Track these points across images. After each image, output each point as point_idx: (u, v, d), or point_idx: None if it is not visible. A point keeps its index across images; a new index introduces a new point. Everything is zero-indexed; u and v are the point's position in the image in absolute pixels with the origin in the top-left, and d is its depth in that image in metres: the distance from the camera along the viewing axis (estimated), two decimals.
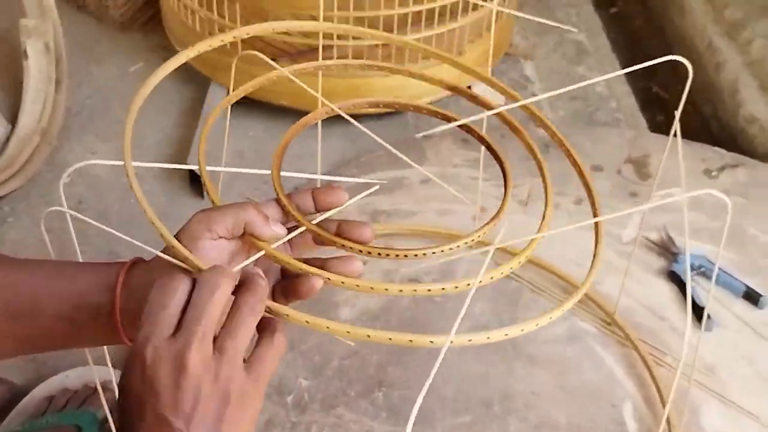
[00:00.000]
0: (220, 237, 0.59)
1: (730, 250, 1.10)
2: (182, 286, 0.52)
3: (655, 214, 1.14)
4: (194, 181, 1.20)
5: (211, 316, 0.51)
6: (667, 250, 1.09)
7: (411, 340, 0.51)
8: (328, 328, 0.52)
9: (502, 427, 0.89)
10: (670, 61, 0.73)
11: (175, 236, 0.59)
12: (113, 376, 0.91)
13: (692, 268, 1.06)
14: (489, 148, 0.74)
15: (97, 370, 0.92)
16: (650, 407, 0.92)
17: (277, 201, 0.62)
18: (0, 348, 0.62)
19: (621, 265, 1.07)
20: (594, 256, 0.62)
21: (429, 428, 0.89)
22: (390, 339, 0.51)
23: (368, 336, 0.52)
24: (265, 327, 0.55)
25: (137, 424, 0.51)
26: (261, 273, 0.55)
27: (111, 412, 0.86)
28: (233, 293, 0.54)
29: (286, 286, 0.62)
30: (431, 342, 0.51)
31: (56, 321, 0.61)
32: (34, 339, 0.62)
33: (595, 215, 0.67)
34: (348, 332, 0.52)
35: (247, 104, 1.22)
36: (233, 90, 0.73)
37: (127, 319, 0.60)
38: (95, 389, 0.88)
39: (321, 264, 0.60)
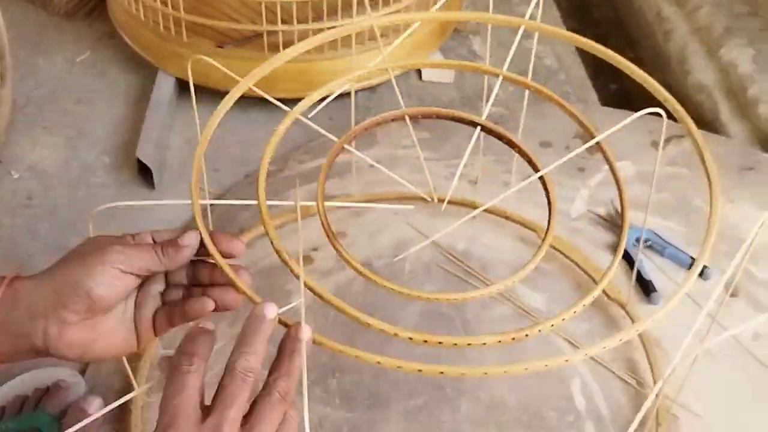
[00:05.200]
0: (131, 273, 0.61)
1: (677, 222, 1.11)
2: (200, 370, 0.55)
3: (603, 188, 1.15)
4: (143, 171, 1.19)
5: (243, 401, 0.54)
6: (615, 224, 1.10)
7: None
8: (399, 367, 0.60)
9: (453, 408, 0.91)
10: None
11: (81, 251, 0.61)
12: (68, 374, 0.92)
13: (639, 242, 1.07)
14: (519, 150, 0.84)
15: (52, 371, 0.92)
16: (598, 381, 0.93)
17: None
18: None
19: (571, 241, 1.08)
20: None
21: (383, 412, 0.90)
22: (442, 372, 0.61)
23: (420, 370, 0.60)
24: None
25: None
26: (300, 363, 0.57)
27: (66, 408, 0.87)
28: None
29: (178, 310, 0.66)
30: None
31: None
32: None
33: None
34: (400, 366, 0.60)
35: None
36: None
37: (3, 335, 0.60)
38: (46, 389, 0.88)
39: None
